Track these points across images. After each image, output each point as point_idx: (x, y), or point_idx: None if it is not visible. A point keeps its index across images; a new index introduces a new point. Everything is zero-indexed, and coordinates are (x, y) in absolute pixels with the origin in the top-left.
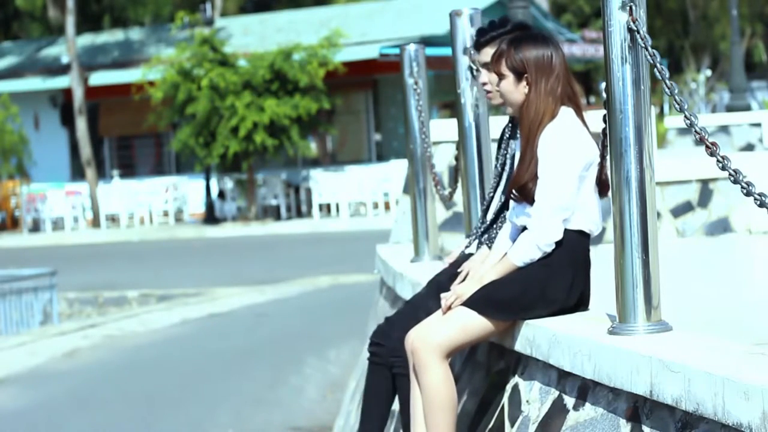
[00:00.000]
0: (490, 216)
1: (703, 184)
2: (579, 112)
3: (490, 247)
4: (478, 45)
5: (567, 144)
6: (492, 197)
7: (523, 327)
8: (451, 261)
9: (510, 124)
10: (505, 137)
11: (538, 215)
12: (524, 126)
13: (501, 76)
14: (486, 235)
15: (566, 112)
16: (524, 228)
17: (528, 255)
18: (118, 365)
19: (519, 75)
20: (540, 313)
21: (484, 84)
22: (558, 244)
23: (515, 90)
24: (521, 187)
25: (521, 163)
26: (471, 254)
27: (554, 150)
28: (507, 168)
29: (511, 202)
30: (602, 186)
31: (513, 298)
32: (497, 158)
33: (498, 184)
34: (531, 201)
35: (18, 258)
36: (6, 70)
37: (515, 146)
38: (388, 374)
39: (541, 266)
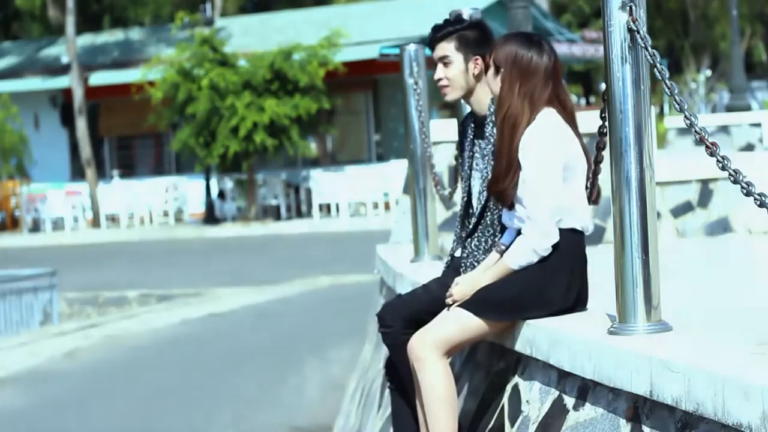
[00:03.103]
0: (473, 220)
1: (703, 184)
2: (567, 117)
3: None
4: (433, 41)
5: (547, 145)
6: (467, 200)
7: (523, 327)
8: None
9: (472, 124)
10: (469, 138)
11: (534, 220)
12: (498, 124)
13: (489, 67)
14: (470, 240)
15: (547, 113)
16: (519, 230)
17: (525, 259)
18: (118, 365)
19: (497, 69)
20: (537, 314)
21: (439, 79)
22: (554, 245)
23: (494, 83)
24: (500, 193)
25: (497, 165)
26: (458, 257)
27: (536, 153)
28: (478, 168)
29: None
30: (592, 194)
31: (510, 300)
32: (462, 159)
33: (470, 187)
34: (510, 206)
35: (18, 258)
36: (6, 70)
37: (484, 145)
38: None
39: (538, 268)
